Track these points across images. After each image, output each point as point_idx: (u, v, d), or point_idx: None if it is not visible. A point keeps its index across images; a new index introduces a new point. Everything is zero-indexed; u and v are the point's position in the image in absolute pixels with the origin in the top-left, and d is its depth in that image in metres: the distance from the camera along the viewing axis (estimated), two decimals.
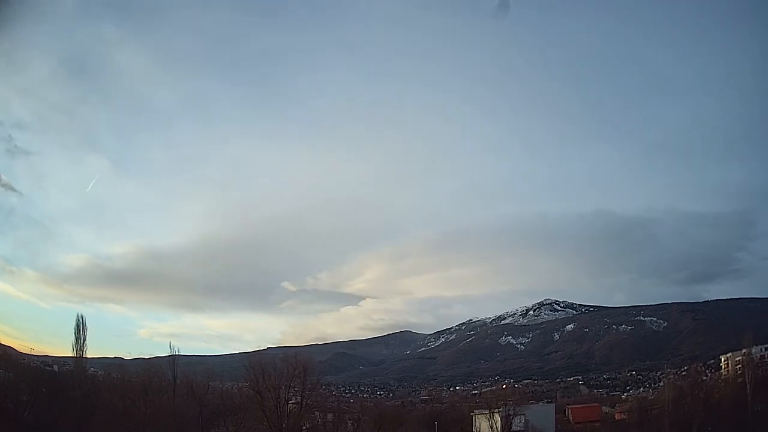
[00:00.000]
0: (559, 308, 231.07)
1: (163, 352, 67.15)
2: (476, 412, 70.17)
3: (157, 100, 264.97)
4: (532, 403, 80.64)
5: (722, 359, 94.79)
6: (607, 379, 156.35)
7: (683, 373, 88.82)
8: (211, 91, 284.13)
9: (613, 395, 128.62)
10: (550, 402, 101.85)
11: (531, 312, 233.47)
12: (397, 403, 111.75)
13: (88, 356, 72.42)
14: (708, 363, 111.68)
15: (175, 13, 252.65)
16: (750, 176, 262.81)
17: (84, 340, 66.94)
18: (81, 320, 67.92)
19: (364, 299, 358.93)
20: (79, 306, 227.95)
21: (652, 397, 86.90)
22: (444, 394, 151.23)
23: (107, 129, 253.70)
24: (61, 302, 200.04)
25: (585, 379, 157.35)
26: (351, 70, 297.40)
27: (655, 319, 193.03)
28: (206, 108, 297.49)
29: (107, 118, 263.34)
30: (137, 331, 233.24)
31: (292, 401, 50.88)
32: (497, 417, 61.94)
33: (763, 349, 77.12)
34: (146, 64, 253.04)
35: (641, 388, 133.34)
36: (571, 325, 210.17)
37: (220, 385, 66.34)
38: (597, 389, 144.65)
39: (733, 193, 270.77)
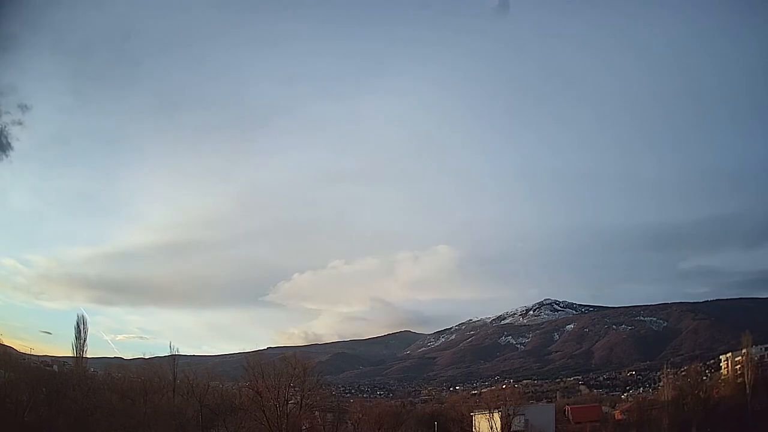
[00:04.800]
0: (559, 308, 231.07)
1: (163, 352, 67.22)
2: (476, 412, 70.10)
3: None
4: (531, 403, 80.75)
5: (722, 359, 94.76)
6: (607, 379, 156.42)
7: (683, 373, 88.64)
8: None
9: (613, 395, 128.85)
10: (550, 402, 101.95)
11: (531, 312, 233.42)
12: (397, 403, 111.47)
13: (88, 356, 72.48)
14: (708, 363, 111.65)
15: None
16: None
17: (84, 340, 66.95)
18: (82, 320, 67.92)
19: (363, 299, 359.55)
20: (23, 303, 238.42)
21: (652, 397, 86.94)
22: (444, 394, 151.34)
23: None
24: (8, 299, 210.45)
25: (585, 379, 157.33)
26: (343, 69, 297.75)
27: (655, 319, 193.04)
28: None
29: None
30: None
31: (292, 401, 50.94)
32: (497, 417, 61.90)
33: (763, 349, 77.35)
34: None
35: (641, 388, 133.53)
36: (571, 325, 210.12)
37: (220, 385, 66.33)
38: (597, 389, 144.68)
39: None
